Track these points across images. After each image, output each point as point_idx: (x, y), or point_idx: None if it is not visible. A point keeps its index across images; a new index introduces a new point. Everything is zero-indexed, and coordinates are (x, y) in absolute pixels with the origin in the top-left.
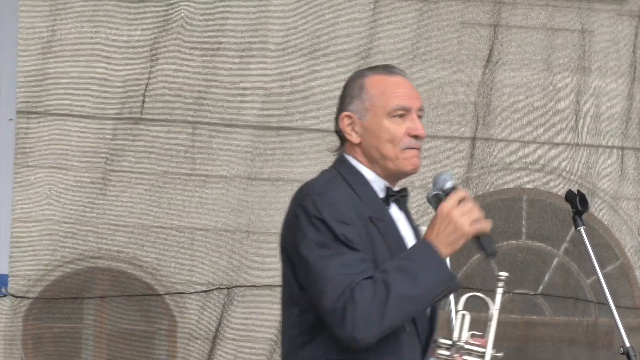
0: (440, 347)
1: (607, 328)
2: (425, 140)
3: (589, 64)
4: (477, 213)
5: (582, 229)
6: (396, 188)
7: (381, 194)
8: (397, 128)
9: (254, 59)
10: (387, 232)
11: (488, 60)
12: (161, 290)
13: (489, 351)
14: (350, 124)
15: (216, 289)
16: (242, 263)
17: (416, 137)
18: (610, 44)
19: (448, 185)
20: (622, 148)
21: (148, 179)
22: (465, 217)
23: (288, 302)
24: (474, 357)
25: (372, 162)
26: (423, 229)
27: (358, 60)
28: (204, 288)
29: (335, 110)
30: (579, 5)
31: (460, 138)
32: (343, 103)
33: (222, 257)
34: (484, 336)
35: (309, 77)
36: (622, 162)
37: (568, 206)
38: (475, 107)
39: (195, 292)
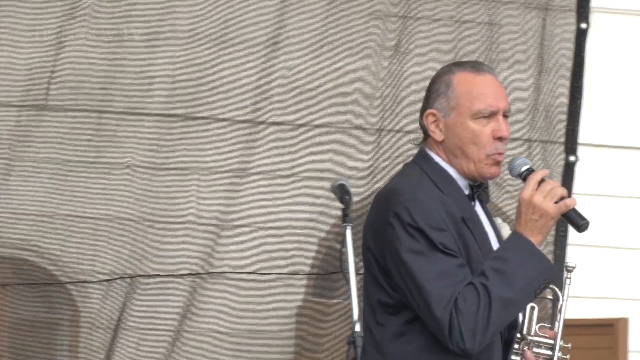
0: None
1: None
2: (332, 131)
3: (497, 56)
4: (558, 191)
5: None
6: (477, 183)
7: (466, 191)
8: (482, 129)
9: (161, 47)
10: (476, 231)
11: (395, 51)
12: (64, 279)
13: (558, 343)
14: (435, 121)
15: (119, 277)
16: (146, 252)
17: (500, 138)
18: (518, 36)
19: (524, 168)
20: (529, 140)
21: (52, 166)
22: (548, 199)
23: (374, 303)
24: (544, 349)
25: (454, 160)
26: (498, 220)
27: (266, 49)
28: (107, 277)
29: (250, 99)
30: (484, 1)
31: (367, 129)
32: (429, 98)
33: (125, 246)
34: (552, 328)
35: (217, 65)
36: (529, 153)
37: None
38: (382, 97)
39: (98, 281)
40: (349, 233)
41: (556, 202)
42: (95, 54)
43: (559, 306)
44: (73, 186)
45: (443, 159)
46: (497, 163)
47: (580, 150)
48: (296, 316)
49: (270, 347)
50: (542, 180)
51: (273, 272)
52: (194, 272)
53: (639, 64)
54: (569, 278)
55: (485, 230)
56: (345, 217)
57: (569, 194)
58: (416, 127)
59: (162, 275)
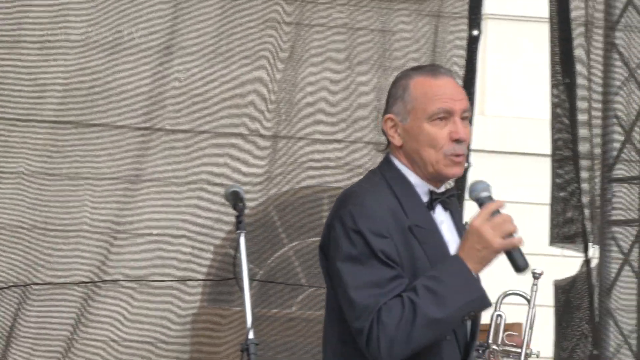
0: (476, 351)
1: None
2: (227, 137)
3: (390, 62)
4: (509, 227)
5: None
6: (442, 189)
7: (425, 198)
8: (438, 132)
9: (53, 54)
10: (427, 240)
11: (290, 58)
12: None
13: (524, 351)
14: (393, 126)
15: (11, 286)
16: (39, 260)
17: (458, 140)
18: (411, 42)
19: (483, 195)
20: None
21: None
22: (496, 232)
23: (329, 306)
24: (512, 357)
25: (414, 165)
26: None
27: (159, 55)
28: None
29: (143, 106)
30: (379, 5)
31: (263, 135)
32: (388, 104)
33: (17, 254)
34: (520, 336)
35: (109, 72)
36: None
37: None
38: (277, 104)
39: None
40: (242, 240)
41: (504, 239)
42: None
43: (527, 314)
44: None
45: (405, 165)
46: (456, 164)
47: (473, 156)
48: (191, 323)
49: (165, 354)
50: (497, 212)
51: (167, 279)
52: (87, 280)
53: (531, 70)
54: (536, 285)
55: (442, 240)
56: (239, 224)
57: (462, 198)
58: (313, 133)
59: (55, 284)
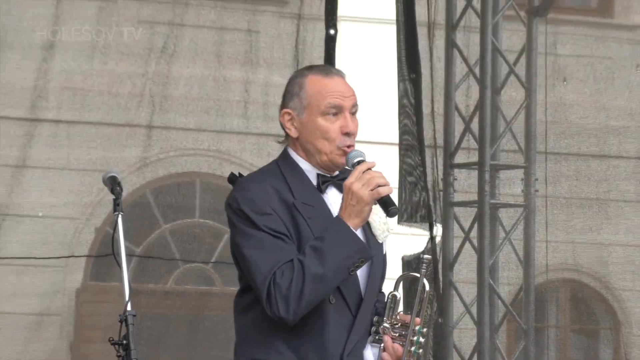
0: (375, 327)
1: None
2: (105, 127)
3: (256, 58)
4: (377, 180)
5: None
6: (336, 174)
7: (314, 182)
8: (330, 125)
9: None
10: (312, 215)
11: (162, 53)
12: None
13: (411, 327)
14: (290, 119)
15: None
16: None
17: (347, 133)
18: (274, 40)
19: (356, 160)
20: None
21: None
22: (364, 187)
23: (239, 277)
24: (402, 332)
25: (308, 155)
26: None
27: (43, 52)
28: None
29: (28, 99)
30: (244, 7)
31: (138, 125)
32: (284, 99)
33: None
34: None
35: None
36: None
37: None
38: (151, 95)
39: None
40: (119, 220)
41: (372, 190)
42: None
43: (417, 294)
44: None
45: (298, 154)
46: (346, 154)
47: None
48: (76, 297)
49: (51, 325)
50: (365, 171)
51: (52, 256)
52: None
53: (381, 66)
54: (424, 269)
55: (328, 214)
56: (116, 206)
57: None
58: (186, 122)
59: None
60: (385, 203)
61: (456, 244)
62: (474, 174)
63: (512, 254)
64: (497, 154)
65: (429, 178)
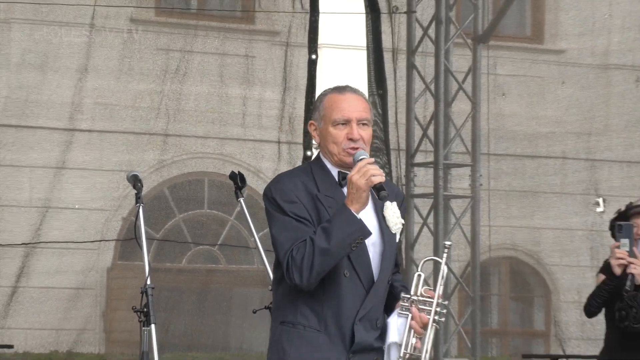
0: (402, 301)
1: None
2: (129, 135)
3: (253, 78)
4: (371, 172)
5: (241, 200)
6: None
7: (336, 178)
8: (338, 133)
9: None
10: (332, 205)
11: (176, 74)
12: None
13: (436, 300)
14: (315, 129)
15: None
16: None
17: (351, 139)
18: (267, 63)
19: (359, 158)
20: (278, 142)
21: None
22: (361, 178)
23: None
24: (427, 306)
25: (327, 155)
26: (388, 205)
27: (78, 74)
28: None
29: (67, 112)
30: (242, 37)
31: (155, 134)
32: (312, 113)
33: None
34: (434, 290)
35: (40, 86)
36: (279, 150)
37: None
38: (166, 109)
39: None
40: (140, 211)
41: (367, 179)
42: None
43: (439, 273)
44: None
45: (324, 156)
46: (351, 155)
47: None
48: (106, 274)
49: (86, 297)
50: (364, 165)
51: (87, 240)
52: (27, 242)
53: (354, 84)
54: (446, 253)
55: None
56: (137, 199)
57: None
58: (195, 131)
59: (3, 245)
60: (378, 189)
61: (416, 229)
62: (430, 171)
63: (461, 236)
64: (449, 155)
65: (394, 175)
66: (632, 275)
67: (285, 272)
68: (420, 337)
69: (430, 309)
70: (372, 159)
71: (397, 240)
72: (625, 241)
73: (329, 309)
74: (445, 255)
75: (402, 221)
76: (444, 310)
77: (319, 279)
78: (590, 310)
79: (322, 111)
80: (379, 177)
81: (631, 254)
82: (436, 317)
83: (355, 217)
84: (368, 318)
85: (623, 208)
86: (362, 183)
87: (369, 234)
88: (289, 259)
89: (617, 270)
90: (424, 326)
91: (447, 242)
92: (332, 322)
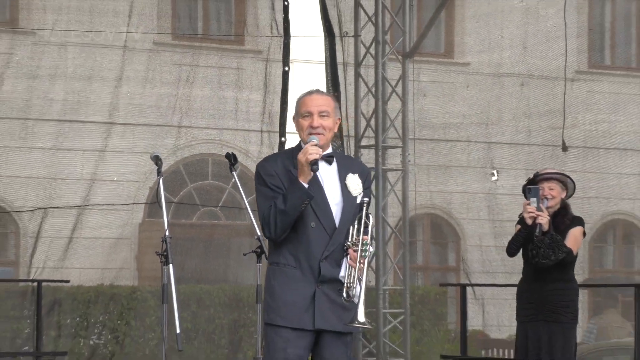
0: (345, 247)
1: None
2: (154, 127)
3: (242, 84)
4: (310, 150)
5: (234, 173)
6: (324, 152)
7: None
8: (304, 123)
9: (55, 83)
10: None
11: (187, 82)
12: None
13: (361, 242)
14: (295, 121)
15: (38, 209)
16: (53, 195)
17: (311, 126)
18: (252, 73)
19: (307, 141)
20: (261, 131)
21: None
22: (303, 156)
23: None
24: (359, 247)
25: (302, 141)
26: (350, 176)
27: (114, 82)
28: (33, 209)
29: (106, 112)
30: (235, 55)
31: (172, 125)
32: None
33: (38, 192)
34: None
35: (86, 94)
36: (261, 138)
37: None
38: (180, 108)
39: (27, 211)
40: (160, 182)
41: (306, 157)
42: None
43: (362, 221)
44: None
45: (301, 140)
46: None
47: (288, 136)
48: (138, 228)
49: (124, 245)
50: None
51: (123, 203)
52: (79, 205)
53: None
54: (365, 207)
55: (318, 180)
56: (159, 173)
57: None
58: (201, 123)
59: (62, 207)
60: (312, 164)
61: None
62: (372, 152)
63: (395, 199)
64: (386, 140)
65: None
66: (540, 224)
67: (263, 229)
68: (355, 268)
69: (361, 248)
70: (315, 142)
71: (359, 201)
72: (534, 200)
73: (301, 251)
74: (364, 209)
75: (361, 188)
76: (370, 248)
77: (284, 232)
78: (510, 251)
79: (296, 108)
80: (314, 155)
81: (538, 209)
82: (362, 254)
83: (302, 185)
84: (332, 257)
85: (532, 176)
86: (303, 159)
87: (311, 197)
88: (263, 219)
89: (529, 221)
90: (354, 260)
91: (365, 199)
92: (304, 261)
